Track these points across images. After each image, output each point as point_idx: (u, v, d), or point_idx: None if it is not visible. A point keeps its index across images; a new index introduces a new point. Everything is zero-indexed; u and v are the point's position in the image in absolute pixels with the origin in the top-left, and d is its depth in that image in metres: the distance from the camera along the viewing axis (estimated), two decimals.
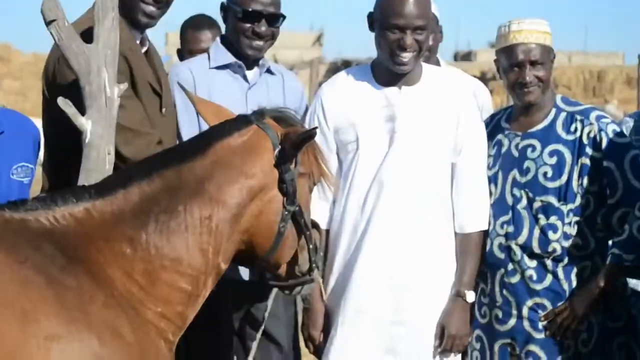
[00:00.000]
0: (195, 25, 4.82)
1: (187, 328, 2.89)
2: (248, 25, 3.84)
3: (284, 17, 3.91)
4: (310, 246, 3.06)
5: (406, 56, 3.60)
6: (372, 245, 3.64)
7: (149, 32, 3.73)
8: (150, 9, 3.60)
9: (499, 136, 3.86)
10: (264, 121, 2.98)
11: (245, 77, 3.93)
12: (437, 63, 4.52)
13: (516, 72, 3.73)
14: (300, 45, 43.10)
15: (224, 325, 3.87)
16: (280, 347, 3.97)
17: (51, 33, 3.15)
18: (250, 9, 3.83)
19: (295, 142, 2.93)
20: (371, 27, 3.70)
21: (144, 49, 3.70)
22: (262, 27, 3.84)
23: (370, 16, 3.69)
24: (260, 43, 3.87)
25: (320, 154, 3.14)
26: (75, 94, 3.18)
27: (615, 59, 33.54)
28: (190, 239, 2.80)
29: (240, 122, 2.99)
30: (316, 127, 3.20)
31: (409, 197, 3.64)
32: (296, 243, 3.03)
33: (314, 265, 3.11)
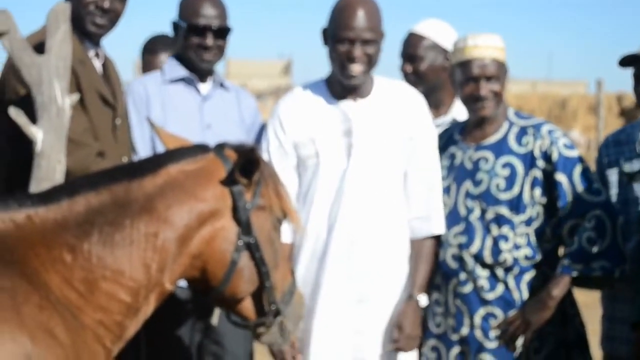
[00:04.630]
0: (151, 49, 4.86)
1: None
2: (195, 39, 3.89)
3: (230, 30, 3.93)
4: (267, 284, 3.00)
5: (355, 68, 3.65)
6: (335, 257, 3.69)
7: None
8: (98, 19, 3.66)
9: (453, 148, 3.91)
10: (223, 152, 2.98)
11: (198, 90, 3.96)
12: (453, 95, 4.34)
13: (472, 86, 3.79)
14: (269, 74, 43.16)
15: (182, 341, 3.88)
16: None
17: (3, 45, 3.18)
18: (195, 23, 3.87)
19: (240, 162, 2.91)
20: (325, 41, 3.75)
21: (100, 62, 3.73)
22: (209, 40, 3.88)
23: (325, 31, 3.75)
24: (208, 56, 3.91)
25: (282, 189, 3.10)
26: (26, 105, 3.21)
27: (578, 87, 33.89)
28: (134, 253, 2.81)
29: (198, 149, 3.00)
30: (256, 148, 3.08)
31: (368, 208, 3.70)
32: (254, 278, 3.00)
33: (272, 306, 3.05)
